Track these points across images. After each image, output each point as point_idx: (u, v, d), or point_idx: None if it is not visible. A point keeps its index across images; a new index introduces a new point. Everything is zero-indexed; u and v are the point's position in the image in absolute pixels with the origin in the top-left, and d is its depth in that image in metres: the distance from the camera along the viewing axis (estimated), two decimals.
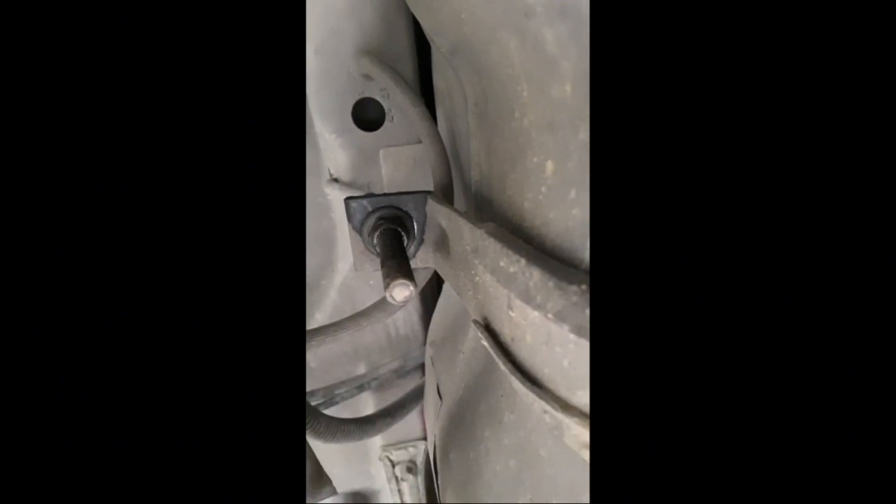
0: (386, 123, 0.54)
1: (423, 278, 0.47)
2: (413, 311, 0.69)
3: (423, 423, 0.71)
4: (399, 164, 0.56)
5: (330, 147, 0.55)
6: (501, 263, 0.22)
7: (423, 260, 0.39)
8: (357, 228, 0.38)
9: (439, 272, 0.39)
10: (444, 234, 0.36)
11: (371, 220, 0.37)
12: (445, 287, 0.59)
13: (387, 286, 0.27)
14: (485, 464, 0.33)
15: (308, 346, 0.39)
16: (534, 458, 0.28)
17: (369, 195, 0.37)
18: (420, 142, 0.56)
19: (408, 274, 0.28)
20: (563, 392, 0.20)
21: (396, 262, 0.30)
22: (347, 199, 0.37)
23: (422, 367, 0.69)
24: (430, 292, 0.69)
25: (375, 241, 0.36)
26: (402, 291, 0.27)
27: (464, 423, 0.38)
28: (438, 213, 0.36)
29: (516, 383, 0.23)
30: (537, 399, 0.21)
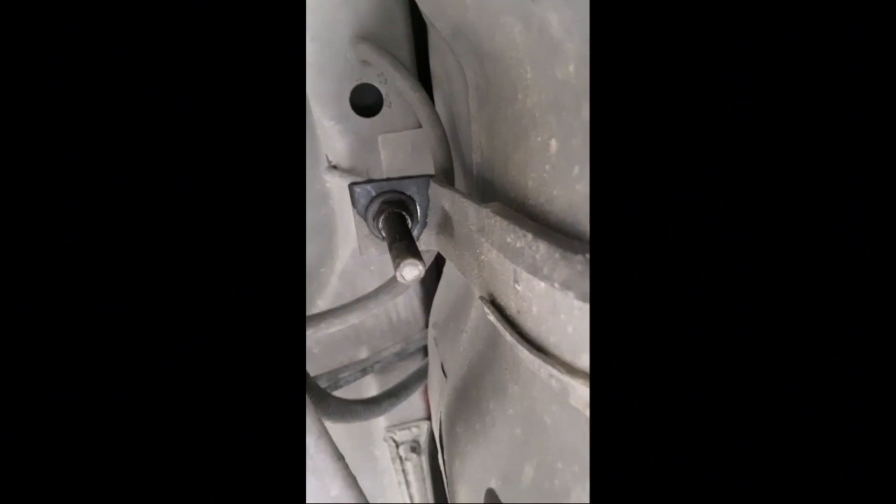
0: (384, 109, 0.55)
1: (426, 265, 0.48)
2: (413, 296, 0.71)
3: (426, 404, 0.73)
4: (398, 149, 0.57)
5: (328, 134, 0.55)
6: (508, 239, 0.23)
7: (426, 243, 0.40)
8: (362, 213, 0.39)
9: (443, 254, 0.40)
10: (446, 216, 0.37)
11: (375, 205, 0.38)
12: (446, 271, 0.61)
13: (396, 266, 0.28)
14: (491, 433, 0.35)
15: (317, 329, 0.40)
16: (539, 426, 0.30)
17: (373, 180, 0.38)
18: (418, 127, 0.56)
19: (416, 254, 0.29)
20: (568, 357, 0.22)
21: (405, 244, 0.31)
22: (352, 185, 0.38)
23: (423, 349, 0.70)
24: (430, 278, 0.70)
25: (380, 225, 0.37)
26: (412, 271, 0.28)
27: (469, 397, 0.40)
28: (441, 196, 0.37)
29: (523, 352, 0.24)
30: (544, 365, 0.23)
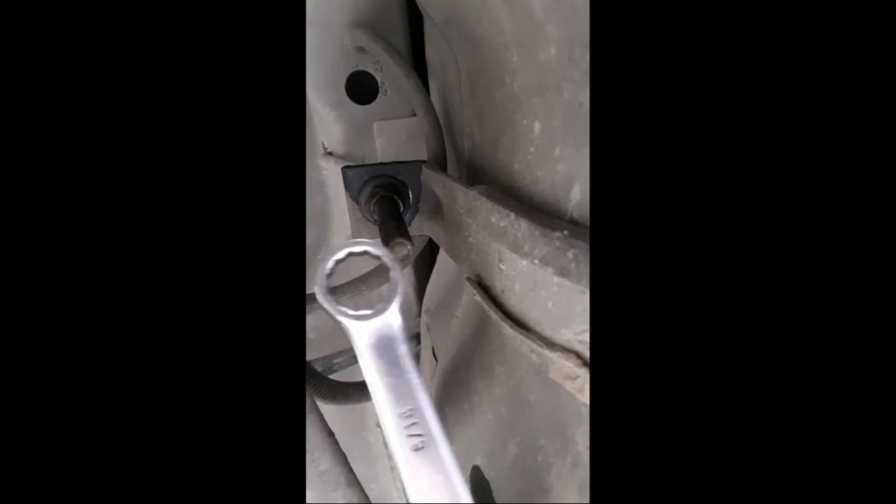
0: (379, 96, 0.55)
1: (416, 249, 0.48)
2: (407, 285, 0.71)
3: None
4: (393, 137, 0.57)
5: (324, 121, 0.56)
6: (493, 219, 0.24)
7: (417, 228, 0.41)
8: (354, 197, 0.40)
9: (434, 238, 0.40)
10: (437, 201, 0.38)
11: (368, 189, 0.39)
12: (439, 259, 0.61)
13: (385, 245, 0.29)
14: (478, 413, 0.36)
15: (310, 309, 0.40)
16: (523, 404, 0.31)
17: (365, 164, 0.39)
18: (413, 115, 0.57)
19: (405, 234, 0.30)
20: (548, 332, 0.22)
21: (394, 224, 0.31)
22: (345, 168, 0.38)
23: (416, 336, 0.71)
24: (423, 266, 0.71)
25: (372, 208, 0.38)
26: (401, 250, 0.29)
27: (458, 379, 0.40)
28: (433, 181, 0.37)
29: (507, 329, 0.25)
30: (525, 340, 0.23)
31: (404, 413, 0.25)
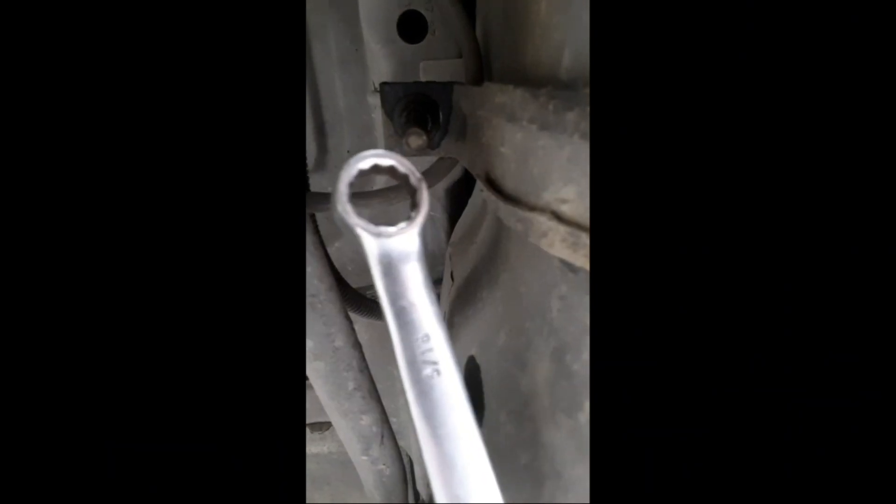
0: (428, 36, 0.58)
1: (446, 181, 0.50)
2: (440, 230, 0.75)
3: None
4: (438, 78, 0.60)
5: (375, 57, 0.60)
6: (497, 99, 0.26)
7: (447, 150, 0.43)
8: (389, 113, 0.43)
9: (459, 158, 0.43)
10: (464, 119, 0.40)
11: (401, 105, 0.42)
12: (469, 201, 0.64)
13: (402, 135, 0.32)
14: (480, 316, 0.39)
15: (321, 208, 0.43)
16: (517, 297, 0.33)
17: (402, 83, 0.42)
18: (459, 57, 0.59)
19: (424, 127, 0.33)
20: (532, 199, 0.24)
21: (413, 122, 0.34)
22: (383, 84, 0.42)
23: (438, 281, 0.74)
24: (457, 215, 0.74)
25: (404, 121, 0.41)
26: (416, 140, 0.32)
27: (468, 291, 0.43)
28: (462, 99, 0.39)
29: (500, 208, 0.27)
30: (515, 211, 0.25)
31: (418, 338, 0.23)
